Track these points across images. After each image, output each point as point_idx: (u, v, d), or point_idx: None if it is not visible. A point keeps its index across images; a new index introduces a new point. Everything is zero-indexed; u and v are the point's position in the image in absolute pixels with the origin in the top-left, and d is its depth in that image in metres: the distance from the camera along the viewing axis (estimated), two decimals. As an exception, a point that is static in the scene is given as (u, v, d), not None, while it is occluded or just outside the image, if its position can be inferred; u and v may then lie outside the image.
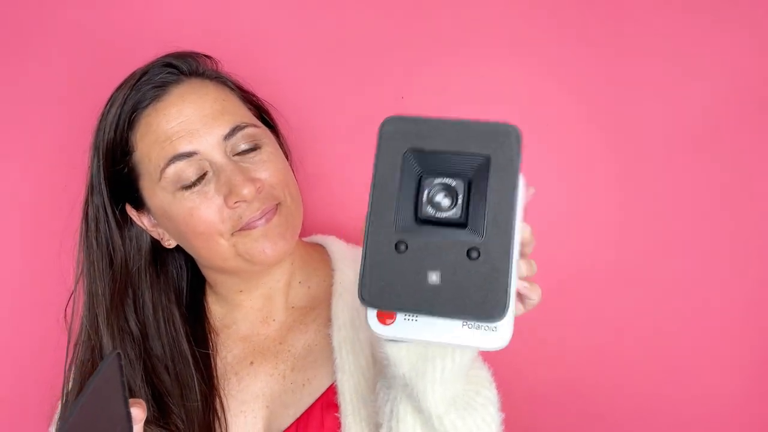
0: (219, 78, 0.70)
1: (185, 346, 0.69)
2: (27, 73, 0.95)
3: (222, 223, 0.63)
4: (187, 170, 0.63)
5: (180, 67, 0.67)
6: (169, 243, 0.69)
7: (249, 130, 0.65)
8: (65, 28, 0.95)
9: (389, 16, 0.92)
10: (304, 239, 0.80)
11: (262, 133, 0.68)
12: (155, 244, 0.71)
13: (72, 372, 0.70)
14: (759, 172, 0.89)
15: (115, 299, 0.67)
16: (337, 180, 0.93)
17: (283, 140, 0.77)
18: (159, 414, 0.66)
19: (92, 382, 0.40)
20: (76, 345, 0.70)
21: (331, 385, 0.65)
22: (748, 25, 0.87)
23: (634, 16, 0.89)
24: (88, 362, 0.68)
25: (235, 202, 0.62)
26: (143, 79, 0.65)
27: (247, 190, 0.61)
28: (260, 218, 0.63)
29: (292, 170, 0.75)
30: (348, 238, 0.79)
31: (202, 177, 0.63)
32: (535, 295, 0.44)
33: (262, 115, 0.74)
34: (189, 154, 0.63)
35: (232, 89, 0.70)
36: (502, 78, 0.91)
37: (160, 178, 0.63)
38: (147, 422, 0.60)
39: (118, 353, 0.43)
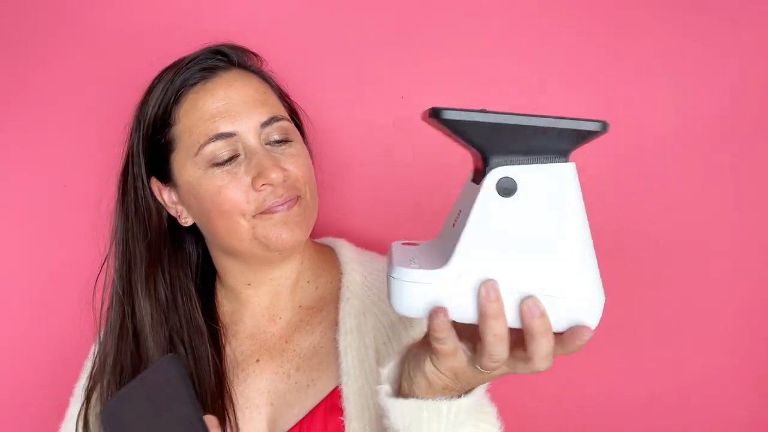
0: (262, 74, 0.74)
1: (200, 320, 0.72)
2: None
3: (246, 203, 0.66)
4: (223, 150, 0.66)
5: (230, 56, 0.71)
6: (186, 221, 0.72)
7: (284, 123, 0.69)
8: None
9: (390, 16, 0.91)
10: (315, 240, 0.81)
11: (294, 129, 0.72)
12: (171, 221, 0.74)
13: (103, 337, 0.73)
14: (759, 172, 0.89)
15: (150, 266, 0.71)
16: (339, 183, 0.93)
17: (308, 142, 0.79)
18: None
19: (145, 376, 0.41)
20: (108, 310, 0.73)
21: (336, 388, 0.67)
22: (749, 25, 0.87)
23: (634, 16, 0.89)
24: (119, 327, 0.71)
25: (262, 185, 0.65)
26: (193, 61, 0.69)
27: (275, 175, 0.65)
28: (282, 204, 0.66)
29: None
30: (356, 243, 0.81)
31: (234, 158, 0.66)
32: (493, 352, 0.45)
33: (293, 116, 0.78)
34: (229, 134, 0.66)
35: (272, 86, 0.74)
36: (502, 78, 0.91)
37: (197, 153, 0.67)
38: None
39: (177, 356, 0.44)
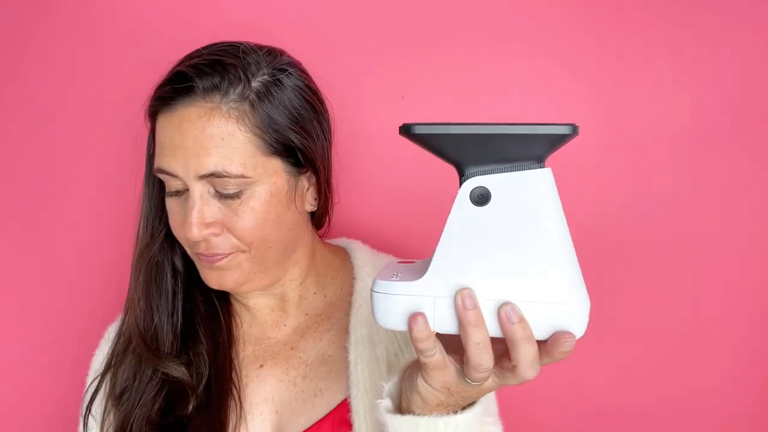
0: (240, 100, 0.61)
1: (214, 298, 0.71)
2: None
3: (182, 239, 0.64)
4: (170, 181, 0.63)
5: (197, 83, 0.60)
6: None
7: (229, 181, 0.60)
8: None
9: (390, 16, 0.91)
10: (329, 241, 0.78)
11: (254, 181, 0.61)
12: None
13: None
14: (759, 172, 0.89)
15: (152, 243, 0.69)
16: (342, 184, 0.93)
17: (326, 161, 0.69)
18: (187, 346, 0.68)
19: None
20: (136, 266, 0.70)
21: (345, 399, 0.64)
22: (749, 26, 0.87)
23: (634, 16, 0.89)
24: (149, 283, 0.69)
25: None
26: (173, 76, 0.62)
27: (190, 235, 0.60)
28: (208, 257, 0.63)
29: (333, 178, 0.72)
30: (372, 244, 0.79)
31: (184, 192, 0.63)
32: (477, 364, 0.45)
33: (305, 131, 0.65)
34: (170, 173, 0.62)
35: (247, 117, 0.61)
36: (502, 78, 0.91)
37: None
38: (174, 356, 0.66)
39: None
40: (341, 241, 0.78)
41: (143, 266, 0.69)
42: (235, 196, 0.61)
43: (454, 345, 0.47)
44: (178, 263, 0.70)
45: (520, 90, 0.91)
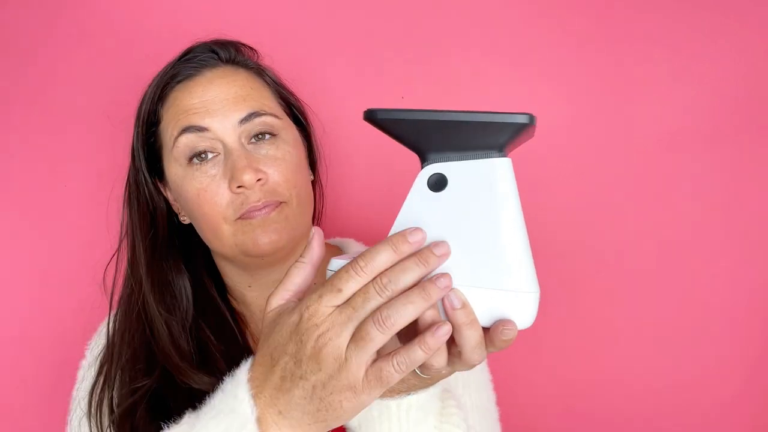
0: (255, 69, 0.71)
1: (221, 304, 0.71)
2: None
3: (225, 207, 0.64)
4: (198, 143, 0.64)
5: (219, 53, 0.69)
6: (184, 219, 0.71)
7: (267, 119, 0.66)
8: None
9: (390, 16, 0.91)
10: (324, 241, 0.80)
11: (283, 125, 0.68)
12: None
13: (115, 324, 0.71)
14: (759, 172, 0.89)
15: (156, 254, 0.70)
16: (342, 183, 0.93)
17: (315, 142, 0.78)
18: (204, 361, 0.67)
19: None
20: (120, 300, 0.72)
21: None
22: (749, 26, 0.87)
23: (634, 16, 0.89)
24: (132, 314, 0.69)
25: (238, 187, 0.63)
26: (185, 58, 0.69)
27: (247, 176, 0.62)
28: (261, 209, 0.63)
29: (319, 172, 0.77)
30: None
31: (213, 156, 0.65)
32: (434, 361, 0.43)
33: (296, 114, 0.75)
34: (200, 129, 0.64)
35: (266, 82, 0.71)
36: (503, 78, 0.91)
37: (173, 147, 0.66)
38: (197, 368, 0.64)
39: None
40: (335, 241, 0.80)
41: (154, 281, 0.69)
42: (270, 138, 0.66)
43: (409, 334, 0.46)
44: (186, 280, 0.71)
45: (522, 90, 0.91)
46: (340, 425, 0.44)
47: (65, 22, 0.95)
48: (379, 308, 0.40)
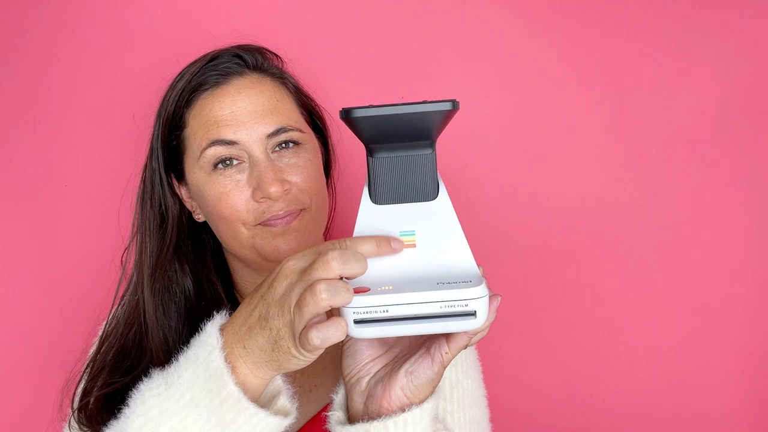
0: (281, 77, 0.72)
1: (226, 302, 0.71)
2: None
3: (246, 213, 0.66)
4: (224, 153, 0.66)
5: (246, 60, 0.70)
6: (199, 217, 0.73)
7: (293, 134, 0.68)
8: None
9: (390, 16, 0.91)
10: None
11: (307, 138, 0.70)
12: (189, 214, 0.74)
13: (113, 322, 0.72)
14: (759, 172, 0.89)
15: (162, 258, 0.70)
16: (345, 187, 0.93)
17: (332, 148, 0.80)
18: None
19: None
20: (122, 297, 0.73)
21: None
22: (750, 27, 0.87)
23: (634, 16, 0.89)
24: (131, 314, 0.71)
25: (261, 197, 0.65)
26: (212, 63, 0.69)
27: (274, 189, 0.64)
28: (283, 218, 0.66)
29: (333, 178, 0.78)
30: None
31: (238, 163, 0.66)
32: None
33: (315, 120, 0.76)
34: (230, 142, 0.66)
35: (289, 90, 0.72)
36: (503, 78, 0.91)
37: (199, 157, 0.67)
38: None
39: None
40: None
41: (156, 285, 0.70)
42: (294, 147, 0.68)
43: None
44: (189, 282, 0.71)
45: (522, 90, 0.91)
46: (291, 370, 0.49)
47: (70, 21, 0.94)
48: (321, 281, 0.43)
